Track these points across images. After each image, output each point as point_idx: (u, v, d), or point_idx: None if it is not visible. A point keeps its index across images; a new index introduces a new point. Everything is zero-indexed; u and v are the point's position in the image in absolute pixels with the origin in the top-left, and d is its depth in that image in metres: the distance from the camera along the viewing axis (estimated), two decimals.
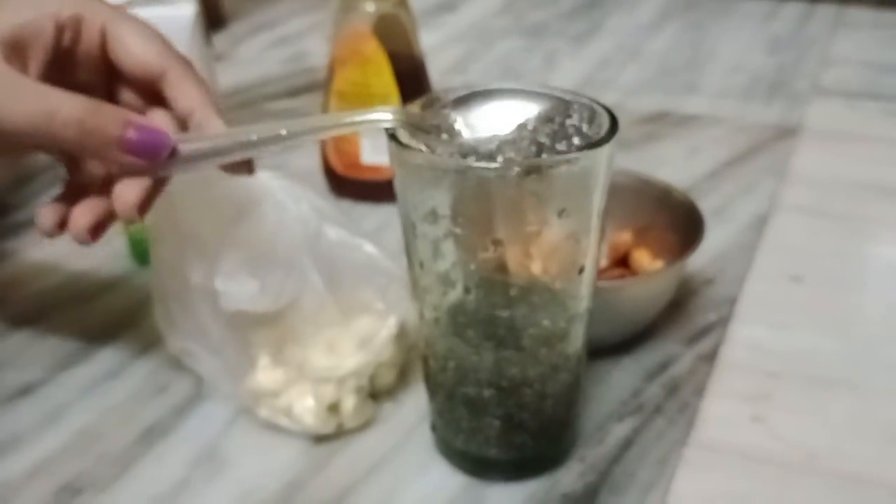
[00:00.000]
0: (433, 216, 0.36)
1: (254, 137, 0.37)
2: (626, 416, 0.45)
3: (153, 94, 0.41)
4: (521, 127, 0.38)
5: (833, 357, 0.49)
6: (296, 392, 0.42)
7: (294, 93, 0.88)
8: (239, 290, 0.40)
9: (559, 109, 0.38)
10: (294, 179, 0.45)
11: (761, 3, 1.09)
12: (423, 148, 0.37)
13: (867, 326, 0.52)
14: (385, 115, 0.37)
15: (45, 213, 0.40)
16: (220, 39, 1.03)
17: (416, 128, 0.37)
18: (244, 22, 1.07)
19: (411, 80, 0.64)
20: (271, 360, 0.43)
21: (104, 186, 0.40)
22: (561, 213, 0.35)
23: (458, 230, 0.35)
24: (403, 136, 0.36)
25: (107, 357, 0.50)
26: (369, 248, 0.45)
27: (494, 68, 0.92)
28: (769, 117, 0.79)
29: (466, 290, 0.37)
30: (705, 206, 0.64)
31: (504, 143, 0.36)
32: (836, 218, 0.63)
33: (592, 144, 0.35)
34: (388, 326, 0.43)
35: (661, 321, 0.51)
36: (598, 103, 0.38)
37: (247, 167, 0.39)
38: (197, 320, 0.42)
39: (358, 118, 0.38)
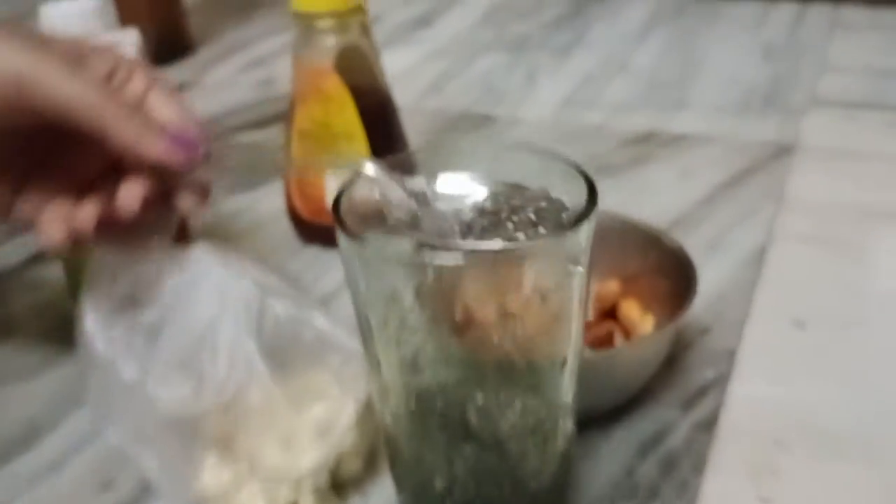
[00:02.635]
0: (392, 304, 0.31)
1: None
2: (620, 501, 0.40)
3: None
4: (491, 197, 0.33)
5: (843, 416, 0.45)
6: (246, 494, 0.38)
7: (263, 123, 0.84)
8: (174, 393, 0.36)
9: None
10: (231, 250, 0.41)
11: (751, 6, 1.04)
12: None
13: (878, 377, 0.48)
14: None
15: (50, 221, 0.38)
16: (187, 66, 0.98)
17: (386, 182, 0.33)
18: (213, 45, 1.03)
19: (377, 115, 0.60)
20: (219, 458, 0.38)
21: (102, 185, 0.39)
22: (535, 301, 0.31)
23: (421, 320, 0.31)
24: (353, 223, 0.32)
25: (50, 445, 0.46)
26: (320, 321, 0.41)
27: (473, 88, 0.87)
28: (764, 133, 0.75)
29: (434, 381, 0.33)
30: (698, 237, 0.60)
31: (472, 219, 0.32)
32: (840, 248, 0.59)
33: (565, 226, 0.30)
34: (347, 414, 0.39)
35: (654, 381, 0.47)
36: (577, 167, 0.33)
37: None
38: (133, 417, 0.38)
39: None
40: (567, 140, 0.76)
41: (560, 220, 0.32)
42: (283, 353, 0.39)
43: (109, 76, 0.39)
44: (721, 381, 0.47)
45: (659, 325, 0.47)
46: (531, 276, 0.30)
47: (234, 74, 0.96)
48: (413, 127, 0.64)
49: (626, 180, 0.69)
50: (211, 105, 0.88)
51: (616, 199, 0.50)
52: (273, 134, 0.81)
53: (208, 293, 0.38)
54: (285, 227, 0.64)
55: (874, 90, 0.81)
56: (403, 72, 0.91)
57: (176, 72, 0.95)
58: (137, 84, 0.39)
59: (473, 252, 0.30)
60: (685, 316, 0.44)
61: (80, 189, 0.39)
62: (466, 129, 0.79)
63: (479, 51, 0.97)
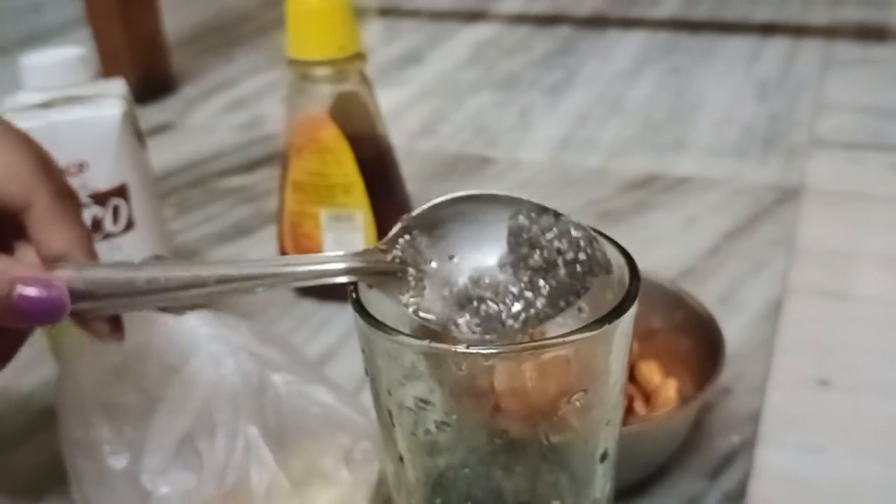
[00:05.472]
0: (419, 401, 0.29)
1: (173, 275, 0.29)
2: None
3: (16, 226, 0.32)
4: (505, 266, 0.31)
5: (879, 486, 0.43)
6: None
7: (250, 167, 0.81)
8: (175, 487, 0.33)
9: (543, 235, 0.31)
10: (226, 320, 0.38)
11: (744, 40, 1.03)
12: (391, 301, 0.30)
13: None
14: (337, 265, 0.30)
15: None
16: (170, 105, 0.95)
17: (378, 274, 0.30)
18: (196, 84, 1.00)
19: (376, 165, 0.57)
20: None
21: None
22: (566, 399, 0.28)
23: (450, 411, 0.28)
24: (373, 306, 0.29)
25: None
26: (325, 395, 0.38)
27: (466, 128, 0.85)
28: (767, 176, 0.73)
29: (462, 466, 0.31)
30: (709, 291, 0.58)
31: (484, 297, 0.29)
32: (859, 301, 0.57)
33: (603, 318, 0.27)
34: (358, 501, 0.36)
35: (678, 448, 0.44)
36: (613, 242, 0.31)
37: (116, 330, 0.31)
38: None
39: (302, 268, 0.30)
40: (567, 184, 0.74)
41: (605, 264, 0.29)
42: (286, 432, 0.36)
43: None
44: (747, 447, 0.45)
45: (682, 390, 0.45)
46: (575, 365, 0.27)
47: (216, 116, 0.93)
48: (408, 171, 0.62)
49: (629, 228, 0.67)
50: (195, 148, 0.85)
51: None
52: (260, 178, 0.78)
53: (201, 372, 0.35)
54: None
55: (873, 130, 0.80)
56: (392, 112, 0.89)
57: (158, 112, 0.93)
58: None
59: (510, 346, 0.28)
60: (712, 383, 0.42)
61: None
62: (464, 172, 0.76)
63: (469, 90, 0.95)
